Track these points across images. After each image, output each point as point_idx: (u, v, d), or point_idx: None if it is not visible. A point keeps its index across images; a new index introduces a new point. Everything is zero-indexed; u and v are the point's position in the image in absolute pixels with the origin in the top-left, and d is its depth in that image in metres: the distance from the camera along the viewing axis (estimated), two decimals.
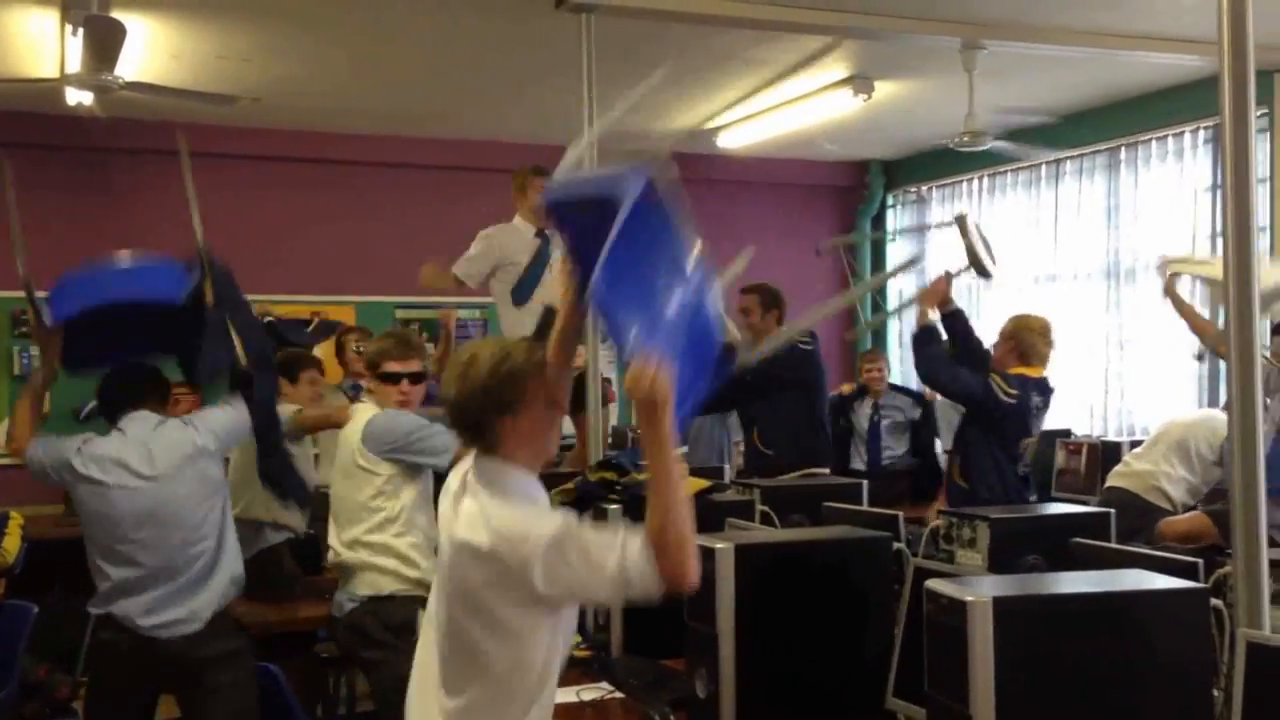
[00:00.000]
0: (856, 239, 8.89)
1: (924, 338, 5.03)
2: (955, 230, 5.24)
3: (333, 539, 3.99)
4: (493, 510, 2.29)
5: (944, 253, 5.57)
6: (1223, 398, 5.81)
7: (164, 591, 3.64)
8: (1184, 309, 5.06)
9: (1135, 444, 6.04)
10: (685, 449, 3.79)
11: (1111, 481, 5.86)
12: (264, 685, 3.58)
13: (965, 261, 5.21)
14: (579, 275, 2.42)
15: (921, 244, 8.59)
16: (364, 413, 3.97)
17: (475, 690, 2.34)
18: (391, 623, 3.79)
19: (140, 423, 3.73)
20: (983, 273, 5.22)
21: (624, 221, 2.23)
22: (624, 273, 2.25)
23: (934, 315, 5.07)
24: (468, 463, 2.43)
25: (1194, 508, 5.62)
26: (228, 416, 3.85)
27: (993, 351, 5.10)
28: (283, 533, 4.66)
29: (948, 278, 5.41)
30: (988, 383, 4.88)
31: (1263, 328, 5.01)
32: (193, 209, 3.82)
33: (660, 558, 2.15)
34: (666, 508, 2.16)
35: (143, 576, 3.64)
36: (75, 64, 5.06)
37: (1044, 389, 5.04)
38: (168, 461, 3.68)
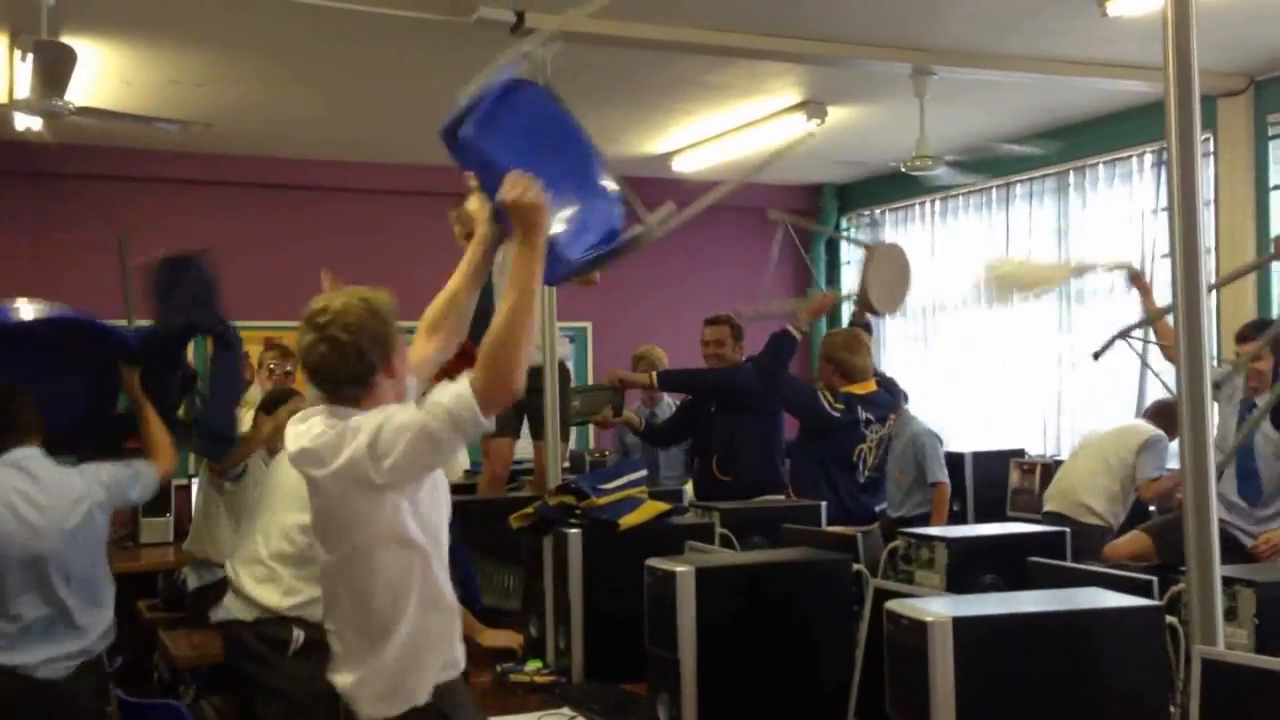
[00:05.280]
0: (808, 225, 8.90)
1: (786, 343, 5.17)
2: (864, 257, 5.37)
3: None
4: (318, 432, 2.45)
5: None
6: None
7: None
8: (1153, 310, 5.14)
9: None
10: (644, 473, 3.81)
11: (1046, 506, 5.95)
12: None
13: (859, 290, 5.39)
14: (489, 200, 2.58)
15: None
16: None
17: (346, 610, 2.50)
18: (266, 637, 3.68)
19: None
20: (869, 308, 5.33)
21: (499, 98, 2.50)
22: (503, 134, 2.49)
23: (805, 328, 5.26)
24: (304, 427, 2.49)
25: (1128, 523, 5.71)
26: None
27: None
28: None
29: (832, 299, 5.79)
30: (817, 395, 5.05)
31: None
32: None
33: (492, 361, 2.27)
34: (517, 307, 2.30)
35: None
36: (24, 89, 5.00)
37: (875, 402, 5.13)
38: None
